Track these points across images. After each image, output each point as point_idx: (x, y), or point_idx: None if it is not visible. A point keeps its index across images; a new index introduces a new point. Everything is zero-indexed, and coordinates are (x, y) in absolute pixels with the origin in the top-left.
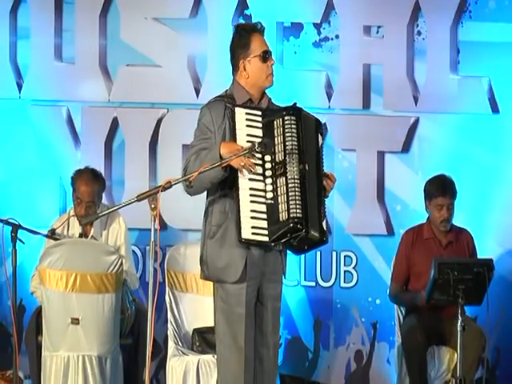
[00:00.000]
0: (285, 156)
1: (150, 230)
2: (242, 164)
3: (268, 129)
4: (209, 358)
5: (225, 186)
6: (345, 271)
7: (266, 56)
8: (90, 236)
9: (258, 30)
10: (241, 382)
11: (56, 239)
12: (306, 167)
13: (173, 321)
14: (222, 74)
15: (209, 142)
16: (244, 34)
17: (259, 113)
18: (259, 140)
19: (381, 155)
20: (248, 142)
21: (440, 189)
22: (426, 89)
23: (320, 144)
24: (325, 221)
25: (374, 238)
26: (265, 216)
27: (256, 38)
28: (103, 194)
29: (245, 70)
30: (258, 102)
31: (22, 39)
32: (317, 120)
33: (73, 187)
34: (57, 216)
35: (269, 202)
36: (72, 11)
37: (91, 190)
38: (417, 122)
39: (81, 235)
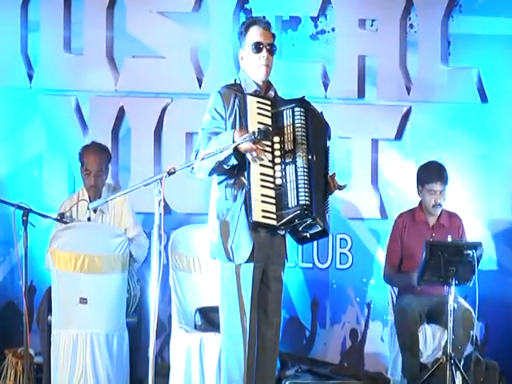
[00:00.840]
0: (294, 145)
1: (154, 213)
2: (253, 153)
3: (277, 118)
4: (211, 336)
5: (234, 171)
6: (340, 253)
7: (256, 47)
8: (98, 208)
9: (256, 22)
10: (244, 359)
11: (65, 223)
12: (314, 158)
13: (176, 300)
14: (224, 65)
15: (219, 127)
16: (243, 26)
17: (269, 102)
18: (260, 127)
19: (375, 142)
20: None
21: (433, 175)
22: (417, 79)
23: (328, 146)
24: (328, 215)
25: (368, 222)
26: (273, 201)
27: (253, 30)
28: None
29: (242, 59)
30: (265, 92)
31: (32, 32)
32: (326, 123)
33: (81, 161)
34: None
35: (278, 187)
36: (80, 5)
37: (99, 160)
38: (409, 110)
39: (89, 219)
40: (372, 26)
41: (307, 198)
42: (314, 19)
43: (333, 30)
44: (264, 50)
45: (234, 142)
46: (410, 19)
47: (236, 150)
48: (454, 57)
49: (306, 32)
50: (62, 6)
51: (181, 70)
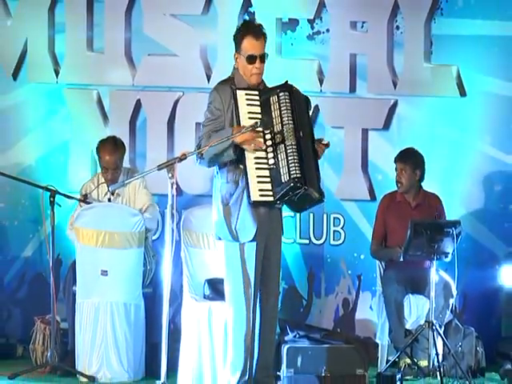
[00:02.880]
0: (282, 127)
1: (167, 195)
2: (250, 143)
3: (265, 105)
4: (218, 305)
5: (233, 160)
6: (334, 231)
7: (249, 59)
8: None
9: (252, 32)
10: (248, 324)
11: (88, 203)
12: (301, 134)
13: (187, 273)
14: (230, 62)
15: (218, 122)
16: (240, 33)
17: (256, 92)
18: (259, 117)
19: (365, 132)
20: (249, 118)
21: (398, 156)
22: (403, 75)
23: (310, 116)
24: (321, 183)
25: (359, 203)
26: (269, 180)
27: (248, 40)
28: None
29: (236, 61)
30: (256, 86)
31: (58, 33)
32: (306, 97)
33: (98, 156)
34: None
35: (271, 167)
36: (101, 9)
37: (114, 159)
38: (396, 103)
39: (109, 200)
40: (362, 27)
41: (298, 172)
42: (311, 21)
43: (327, 31)
44: (257, 61)
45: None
46: (396, 21)
47: (234, 145)
48: (435, 55)
49: (303, 33)
50: (85, 10)
51: (191, 67)
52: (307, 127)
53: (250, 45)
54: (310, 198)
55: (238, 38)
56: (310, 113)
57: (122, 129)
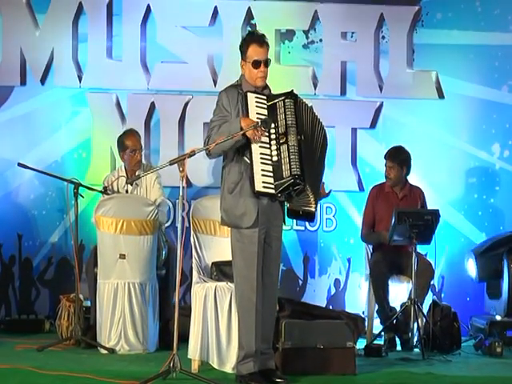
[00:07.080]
0: (286, 129)
1: (179, 187)
2: (254, 136)
3: (272, 109)
4: (223, 285)
5: (239, 152)
6: (326, 218)
7: (255, 64)
8: (134, 182)
9: (256, 41)
10: (253, 301)
11: (108, 194)
12: (302, 137)
13: (196, 256)
14: (233, 69)
15: (226, 118)
16: (245, 42)
17: (265, 97)
18: (263, 118)
19: (354, 130)
20: (257, 118)
21: (387, 154)
22: (388, 80)
23: (325, 151)
24: (318, 206)
25: (349, 193)
26: (271, 174)
27: (252, 47)
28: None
29: (243, 68)
30: (262, 90)
31: (81, 42)
32: (323, 127)
33: (122, 147)
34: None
35: (274, 163)
36: (120, 21)
37: (139, 140)
38: (381, 105)
39: (126, 191)
40: (352, 37)
41: (298, 169)
42: (306, 32)
43: (320, 40)
44: (261, 65)
45: (241, 127)
46: (382, 32)
47: (243, 134)
48: (417, 62)
49: (299, 42)
50: (105, 22)
51: (199, 73)
52: (308, 133)
53: (254, 52)
54: (306, 197)
55: (244, 46)
56: (326, 149)
57: (137, 128)
